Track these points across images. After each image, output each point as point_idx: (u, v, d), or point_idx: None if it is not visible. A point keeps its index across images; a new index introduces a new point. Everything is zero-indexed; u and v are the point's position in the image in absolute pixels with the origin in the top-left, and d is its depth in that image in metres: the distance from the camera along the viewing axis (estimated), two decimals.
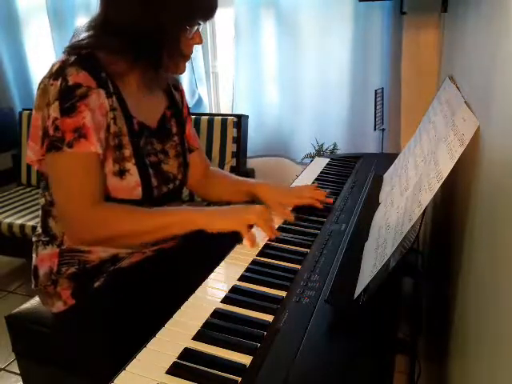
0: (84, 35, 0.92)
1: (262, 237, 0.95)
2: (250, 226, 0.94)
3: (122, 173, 0.92)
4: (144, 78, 0.96)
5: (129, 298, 0.94)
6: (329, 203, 1.11)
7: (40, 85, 0.88)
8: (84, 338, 0.95)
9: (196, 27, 0.93)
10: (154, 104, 1.04)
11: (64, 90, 0.84)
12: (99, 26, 0.91)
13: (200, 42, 0.96)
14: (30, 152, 0.91)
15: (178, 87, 1.14)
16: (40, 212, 1.01)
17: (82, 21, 2.39)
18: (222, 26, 2.34)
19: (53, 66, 0.88)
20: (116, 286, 0.96)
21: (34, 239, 1.02)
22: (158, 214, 0.93)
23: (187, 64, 1.00)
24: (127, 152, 0.93)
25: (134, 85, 0.97)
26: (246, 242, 0.92)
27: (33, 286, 1.02)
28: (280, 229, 1.00)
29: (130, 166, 0.93)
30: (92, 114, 0.85)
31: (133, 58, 0.91)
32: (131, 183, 0.93)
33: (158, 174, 0.99)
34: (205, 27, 2.32)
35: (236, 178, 1.24)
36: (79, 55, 0.87)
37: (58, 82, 0.84)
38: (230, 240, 0.95)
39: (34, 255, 1.01)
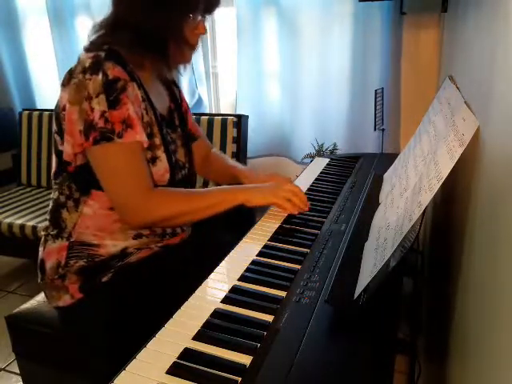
0: (96, 35, 0.96)
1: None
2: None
3: (153, 160, 0.98)
4: (155, 69, 1.02)
5: (135, 294, 0.95)
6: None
7: (70, 80, 0.90)
8: (88, 332, 0.96)
9: (200, 17, 0.97)
10: (162, 95, 1.10)
11: (106, 83, 0.87)
12: (110, 25, 0.96)
13: (204, 31, 0.99)
14: (68, 145, 0.93)
15: (176, 84, 1.20)
16: (50, 205, 1.03)
17: (81, 21, 2.39)
18: (222, 25, 2.34)
19: (82, 61, 0.90)
20: (123, 282, 0.98)
21: (42, 233, 1.05)
22: (206, 193, 1.03)
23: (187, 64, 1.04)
24: (157, 140, 0.99)
25: (148, 77, 1.02)
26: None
27: (39, 280, 1.03)
28: (280, 229, 1.00)
29: (160, 153, 0.99)
30: (133, 105, 0.90)
31: (142, 52, 0.96)
32: (161, 169, 0.99)
33: (175, 161, 1.05)
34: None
35: (228, 162, 1.34)
36: (106, 51, 0.91)
37: (99, 77, 0.87)
38: (233, 238, 0.97)
39: (41, 249, 1.03)
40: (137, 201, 0.93)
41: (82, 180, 0.96)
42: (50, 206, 1.03)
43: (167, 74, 1.09)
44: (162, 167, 0.99)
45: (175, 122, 1.12)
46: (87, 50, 0.94)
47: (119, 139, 0.88)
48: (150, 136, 0.97)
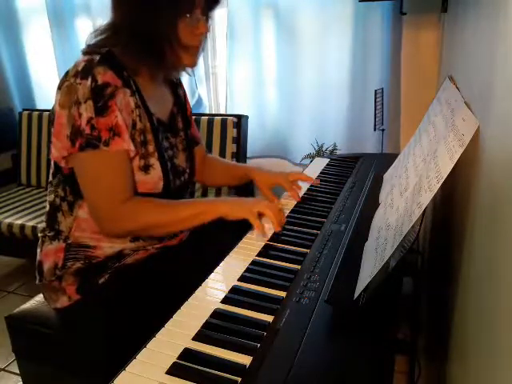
0: (97, 39, 0.94)
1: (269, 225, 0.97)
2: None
3: (146, 168, 0.96)
4: (151, 72, 0.99)
5: (133, 295, 0.95)
6: (315, 184, 1.25)
7: (64, 83, 0.88)
8: (87, 334, 0.96)
9: (200, 16, 0.93)
10: (164, 99, 1.08)
11: (95, 89, 0.86)
12: (109, 29, 0.94)
13: (204, 30, 0.94)
14: (54, 149, 0.92)
15: (181, 84, 1.18)
16: (47, 207, 1.02)
17: (81, 21, 2.40)
18: (222, 26, 2.33)
19: (77, 65, 0.89)
20: (120, 283, 0.98)
21: (39, 235, 1.04)
22: (183, 205, 0.98)
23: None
24: (151, 148, 0.97)
25: (145, 80, 0.99)
26: (255, 230, 0.97)
27: (37, 281, 1.03)
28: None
29: (154, 161, 0.97)
30: (121, 113, 0.88)
31: (137, 57, 0.93)
32: (155, 177, 0.97)
33: (173, 167, 1.03)
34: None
35: (229, 162, 1.34)
36: (102, 54, 0.89)
37: (88, 82, 0.86)
38: (232, 238, 0.97)
39: (38, 250, 1.03)
40: (107, 212, 0.92)
41: (75, 182, 0.94)
42: (47, 209, 1.02)
43: (172, 76, 1.07)
44: (155, 175, 0.97)
45: (177, 126, 1.10)
46: (85, 52, 0.92)
47: (105, 147, 0.87)
48: (144, 144, 0.95)
